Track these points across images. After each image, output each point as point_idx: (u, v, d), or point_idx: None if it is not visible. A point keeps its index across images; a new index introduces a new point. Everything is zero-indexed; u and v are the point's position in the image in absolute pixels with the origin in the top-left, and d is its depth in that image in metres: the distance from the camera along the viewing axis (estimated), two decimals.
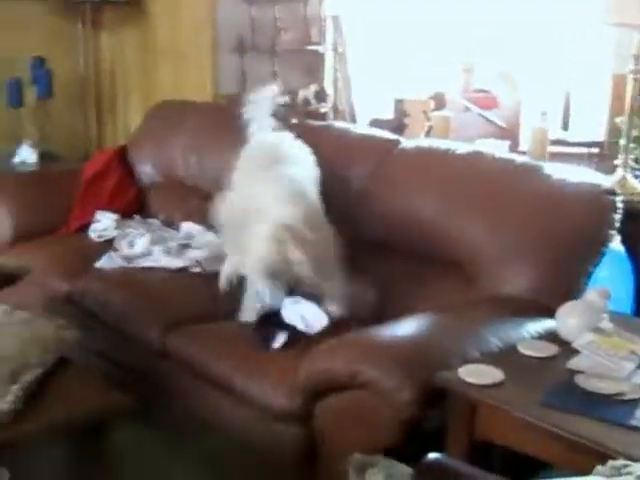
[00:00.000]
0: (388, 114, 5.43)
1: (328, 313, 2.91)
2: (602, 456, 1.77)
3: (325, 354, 2.57)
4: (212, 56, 5.14)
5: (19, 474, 2.33)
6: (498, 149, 3.79)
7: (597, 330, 2.41)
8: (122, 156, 4.46)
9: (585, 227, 2.83)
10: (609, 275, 3.05)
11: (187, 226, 3.96)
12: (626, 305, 3.22)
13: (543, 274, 2.78)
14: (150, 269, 3.58)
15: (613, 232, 2.87)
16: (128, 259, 3.66)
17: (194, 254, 3.65)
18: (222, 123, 4.08)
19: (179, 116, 4.36)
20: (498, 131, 5.23)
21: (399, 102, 5.32)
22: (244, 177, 3.25)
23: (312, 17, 5.58)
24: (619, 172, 3.56)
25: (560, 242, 2.81)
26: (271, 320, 2.89)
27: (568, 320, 2.45)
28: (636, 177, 3.60)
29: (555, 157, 4.03)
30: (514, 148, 4.63)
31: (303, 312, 2.89)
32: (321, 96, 5.54)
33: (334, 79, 5.74)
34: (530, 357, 2.34)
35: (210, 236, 3.81)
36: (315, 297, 2.94)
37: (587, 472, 1.62)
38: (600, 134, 4.49)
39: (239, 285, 2.95)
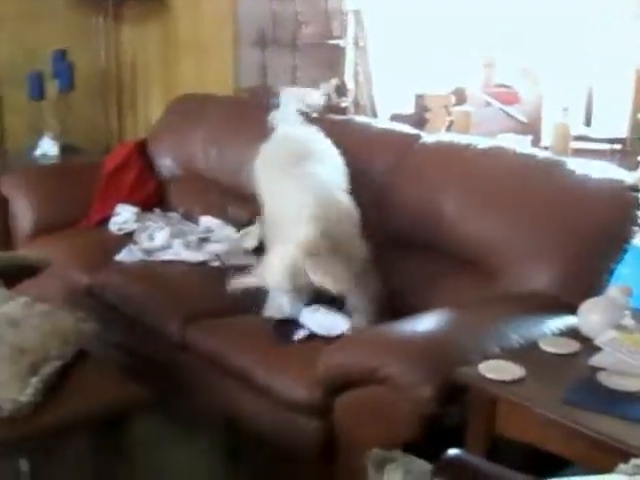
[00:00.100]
0: (409, 109, 5.42)
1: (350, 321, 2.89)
2: (624, 454, 1.76)
3: (344, 348, 2.57)
4: (233, 50, 5.14)
5: (39, 466, 2.34)
6: (520, 144, 3.77)
7: (619, 327, 2.39)
8: (142, 149, 4.47)
9: (607, 223, 2.81)
10: (631, 272, 3.02)
11: (206, 220, 3.97)
12: None
13: (565, 271, 2.76)
14: (170, 262, 3.59)
15: (635, 228, 2.84)
16: (148, 252, 3.67)
17: (213, 248, 3.66)
18: (243, 117, 4.08)
19: (200, 109, 4.36)
20: (519, 126, 5.21)
21: (420, 97, 5.32)
22: (270, 172, 3.23)
23: (333, 11, 5.58)
24: None
25: (582, 238, 2.79)
26: (292, 322, 2.90)
27: (590, 317, 2.43)
28: None
29: (577, 153, 4.00)
30: (536, 143, 4.61)
31: (322, 320, 2.88)
32: (342, 90, 5.53)
33: (355, 73, 5.73)
34: (551, 354, 2.32)
35: (228, 230, 3.82)
36: (338, 302, 2.94)
37: (609, 470, 1.61)
38: (623, 130, 4.46)
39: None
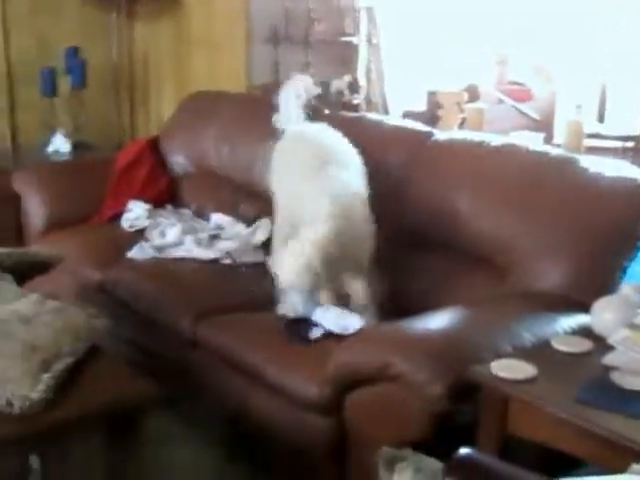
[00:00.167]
0: (421, 106, 5.41)
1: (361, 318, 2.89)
2: (636, 454, 1.75)
3: (355, 346, 2.57)
4: (246, 46, 5.14)
5: (49, 463, 2.35)
6: (532, 142, 3.75)
7: (632, 326, 2.37)
8: (155, 146, 4.48)
9: (620, 221, 2.79)
10: None
11: (217, 217, 3.97)
12: None
13: (577, 268, 2.75)
14: (181, 259, 3.60)
15: None
16: (159, 249, 3.67)
17: (224, 245, 3.66)
18: (255, 114, 4.07)
19: (212, 106, 4.36)
20: (532, 124, 5.19)
21: (432, 94, 5.30)
22: (291, 173, 3.19)
23: (346, 8, 5.57)
24: None
25: (595, 236, 2.78)
26: (304, 321, 2.90)
27: (603, 315, 2.41)
28: None
29: (590, 151, 3.98)
30: (549, 141, 4.59)
31: (336, 318, 2.88)
32: (354, 87, 5.52)
33: (367, 70, 5.72)
34: (564, 352, 2.31)
35: (239, 227, 3.82)
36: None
37: (621, 470, 1.60)
38: (636, 127, 4.44)
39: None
